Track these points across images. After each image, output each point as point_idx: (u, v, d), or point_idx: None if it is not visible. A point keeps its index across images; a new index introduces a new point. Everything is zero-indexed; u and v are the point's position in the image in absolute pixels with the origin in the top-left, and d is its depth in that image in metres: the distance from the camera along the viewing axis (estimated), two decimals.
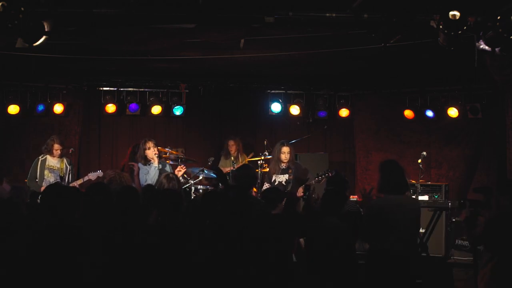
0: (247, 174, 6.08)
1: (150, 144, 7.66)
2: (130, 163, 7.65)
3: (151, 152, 7.62)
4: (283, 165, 7.78)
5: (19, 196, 6.03)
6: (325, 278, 4.90)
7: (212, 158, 9.16)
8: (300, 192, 7.23)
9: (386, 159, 5.60)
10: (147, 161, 7.65)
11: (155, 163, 7.60)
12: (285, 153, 7.74)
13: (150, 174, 7.52)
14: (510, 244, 4.78)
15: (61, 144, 8.21)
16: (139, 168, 7.52)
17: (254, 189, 8.27)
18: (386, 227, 4.93)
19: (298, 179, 7.62)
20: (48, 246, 3.92)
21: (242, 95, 10.75)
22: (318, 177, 7.50)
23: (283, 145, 7.81)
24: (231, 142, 9.73)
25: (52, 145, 8.13)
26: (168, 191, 5.22)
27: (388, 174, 5.08)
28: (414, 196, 7.56)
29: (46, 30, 5.73)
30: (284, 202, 5.87)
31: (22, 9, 5.39)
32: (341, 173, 6.28)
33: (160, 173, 7.49)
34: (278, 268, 4.44)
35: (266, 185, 7.87)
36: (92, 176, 8.19)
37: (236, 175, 6.09)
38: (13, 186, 6.64)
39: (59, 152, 8.16)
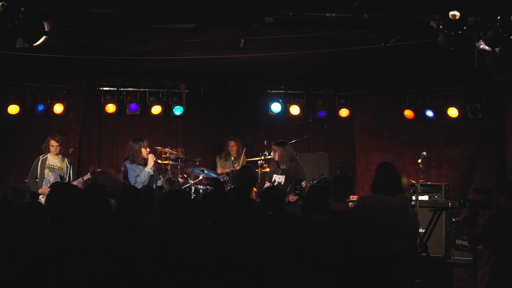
0: (247, 175, 6.08)
1: (145, 143, 7.76)
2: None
3: (145, 151, 7.67)
4: (283, 166, 7.77)
5: (16, 196, 6.00)
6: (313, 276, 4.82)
7: (199, 159, 9.07)
8: (291, 197, 7.24)
9: (382, 162, 5.71)
10: (142, 160, 7.64)
11: (149, 166, 7.59)
12: (274, 151, 7.78)
13: (140, 177, 7.51)
14: (509, 244, 4.79)
15: (57, 141, 8.16)
16: (127, 169, 7.54)
17: (254, 189, 8.28)
18: (368, 223, 5.07)
19: (288, 177, 7.60)
20: (48, 246, 3.93)
21: (242, 95, 10.75)
22: (312, 181, 7.50)
23: (272, 145, 7.87)
24: (231, 143, 9.72)
25: (49, 141, 8.12)
26: (171, 192, 5.21)
27: (379, 175, 5.26)
28: (414, 197, 7.58)
29: (46, 30, 5.73)
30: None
31: (22, 9, 5.38)
32: (346, 171, 6.19)
33: (152, 179, 7.58)
34: (279, 269, 4.44)
35: (267, 185, 7.87)
36: None
37: (236, 176, 6.09)
38: (10, 186, 6.61)
39: (55, 149, 8.10)
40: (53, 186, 5.01)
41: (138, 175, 7.52)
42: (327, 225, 4.95)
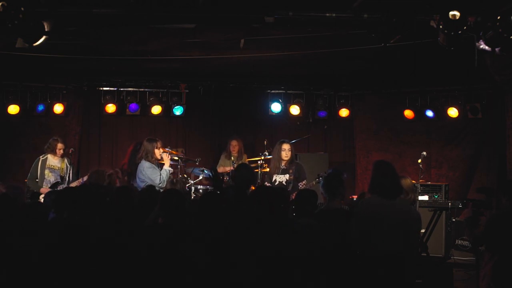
0: (245, 173, 6.06)
1: (159, 144, 7.73)
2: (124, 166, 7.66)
3: (158, 152, 7.65)
4: (284, 165, 7.78)
5: (16, 196, 5.99)
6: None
7: (199, 159, 9.05)
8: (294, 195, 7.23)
9: (379, 160, 5.63)
10: (155, 160, 7.64)
11: (167, 164, 7.60)
12: (285, 150, 7.75)
13: (163, 176, 7.50)
14: (510, 244, 4.79)
15: (63, 143, 8.23)
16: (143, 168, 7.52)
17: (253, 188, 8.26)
18: (370, 227, 4.94)
19: (298, 180, 7.64)
20: (50, 246, 3.93)
21: (242, 95, 10.74)
22: (318, 178, 7.49)
23: (283, 142, 7.85)
24: (233, 142, 9.68)
25: (56, 145, 8.14)
26: (170, 191, 5.20)
27: (380, 177, 5.13)
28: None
29: (46, 30, 5.74)
30: None
31: (22, 9, 5.39)
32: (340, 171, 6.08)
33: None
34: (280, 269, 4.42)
35: (266, 185, 7.86)
36: None
37: (235, 175, 6.08)
38: (9, 186, 6.60)
39: (62, 152, 8.16)
40: (59, 189, 5.02)
41: (160, 174, 7.53)
42: (315, 228, 4.86)
